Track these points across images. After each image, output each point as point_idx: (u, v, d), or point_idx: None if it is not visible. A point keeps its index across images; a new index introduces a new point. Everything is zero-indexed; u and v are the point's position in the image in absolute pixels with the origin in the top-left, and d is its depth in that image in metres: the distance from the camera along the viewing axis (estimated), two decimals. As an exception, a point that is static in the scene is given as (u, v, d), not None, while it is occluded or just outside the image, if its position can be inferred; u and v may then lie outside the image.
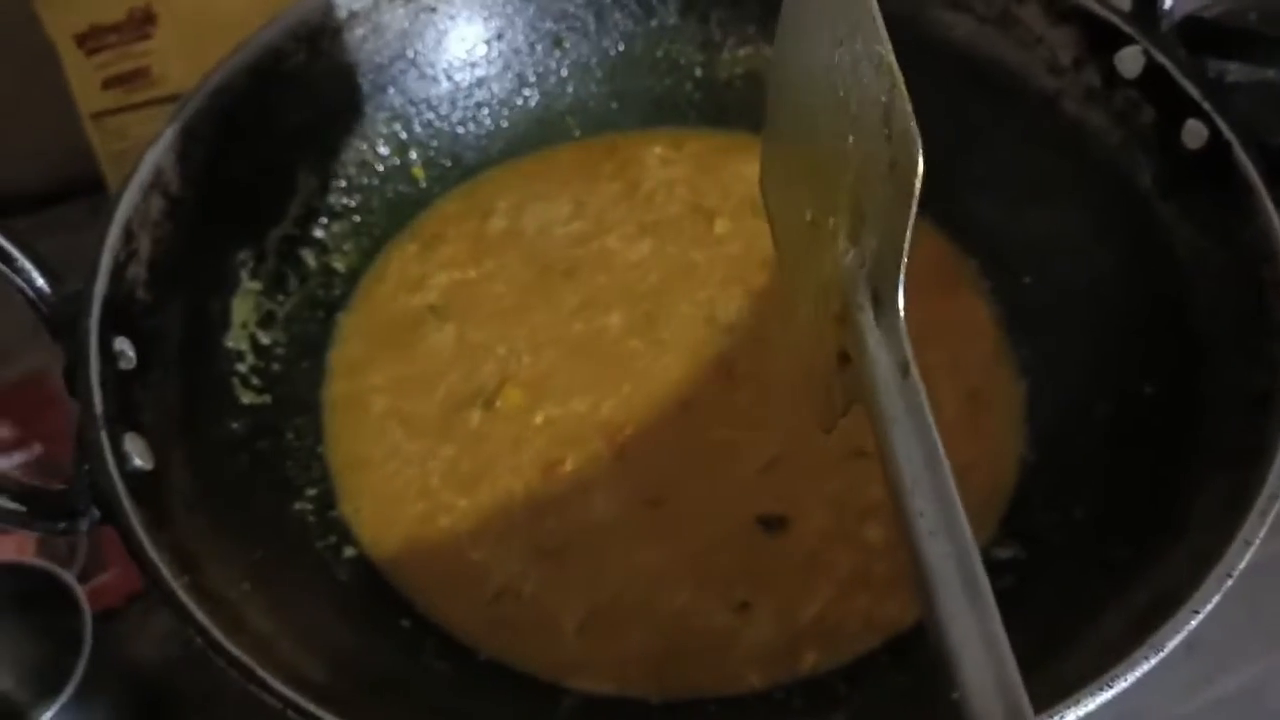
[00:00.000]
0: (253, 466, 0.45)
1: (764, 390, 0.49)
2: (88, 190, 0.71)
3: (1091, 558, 0.41)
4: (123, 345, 0.41)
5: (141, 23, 0.69)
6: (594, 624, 0.43)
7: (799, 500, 0.45)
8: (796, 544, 0.44)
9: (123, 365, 0.40)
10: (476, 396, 0.50)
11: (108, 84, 0.70)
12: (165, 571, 0.34)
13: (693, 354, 0.50)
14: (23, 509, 0.36)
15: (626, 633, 0.43)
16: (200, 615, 0.34)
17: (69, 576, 0.56)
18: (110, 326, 0.40)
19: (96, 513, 0.37)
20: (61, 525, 0.36)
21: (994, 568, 0.43)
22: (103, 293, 0.41)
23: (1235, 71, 0.66)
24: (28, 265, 0.40)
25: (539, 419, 0.49)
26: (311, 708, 0.32)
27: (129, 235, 0.43)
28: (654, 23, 0.58)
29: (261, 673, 0.32)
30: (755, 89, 0.58)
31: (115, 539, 0.71)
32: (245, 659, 0.33)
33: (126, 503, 0.36)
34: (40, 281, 0.40)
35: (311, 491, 0.46)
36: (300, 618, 0.39)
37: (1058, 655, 0.35)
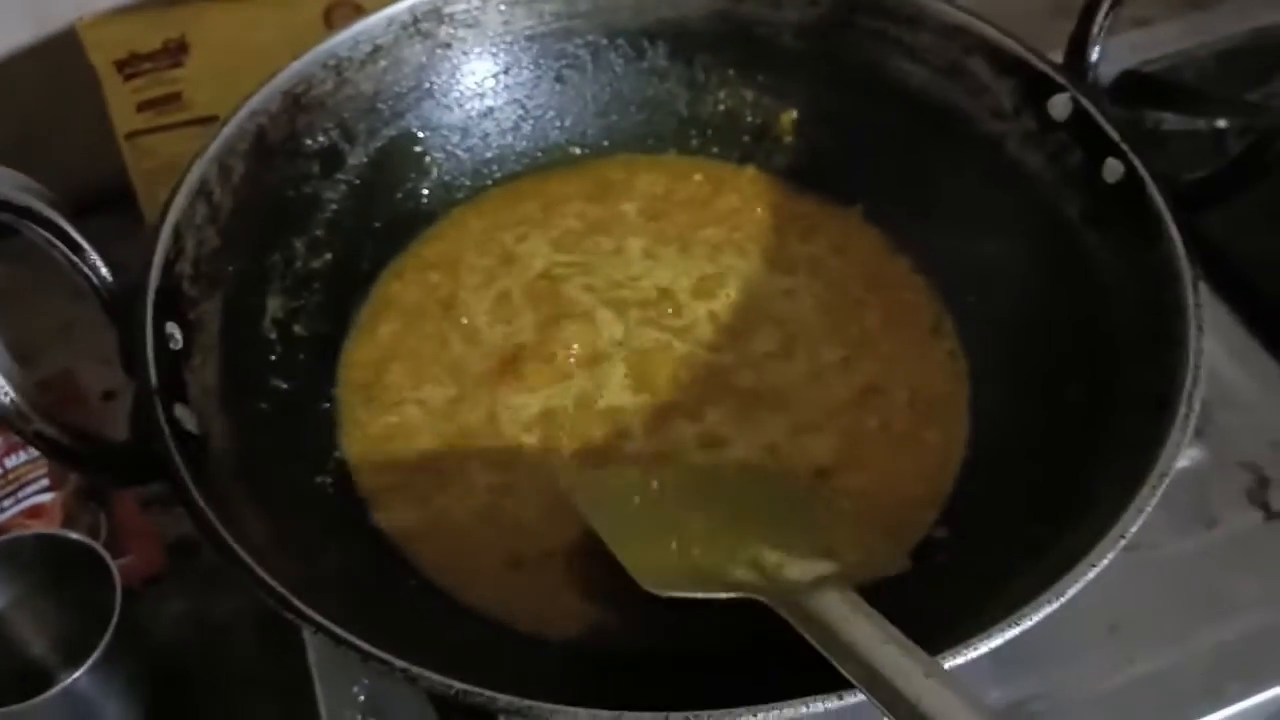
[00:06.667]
0: (282, 442, 0.50)
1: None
2: (117, 203, 0.76)
3: (1015, 537, 0.46)
4: (172, 329, 0.46)
5: (176, 51, 0.75)
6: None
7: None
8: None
9: (172, 346, 0.46)
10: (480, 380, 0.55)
11: (142, 107, 0.76)
12: (214, 519, 0.40)
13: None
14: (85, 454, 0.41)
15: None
16: (246, 557, 0.39)
17: (103, 550, 0.61)
18: (162, 313, 0.46)
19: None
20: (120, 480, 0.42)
21: (931, 545, 0.49)
22: (155, 284, 0.46)
23: (1170, 121, 0.73)
24: (96, 258, 0.46)
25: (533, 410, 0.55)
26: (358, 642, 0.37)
27: (178, 235, 0.49)
28: (645, 64, 0.64)
29: (304, 608, 0.38)
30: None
31: (135, 525, 0.76)
32: (289, 596, 0.38)
33: (180, 461, 0.41)
34: (105, 272, 0.46)
35: (331, 466, 0.52)
36: (328, 575, 0.44)
37: (977, 611, 0.40)
